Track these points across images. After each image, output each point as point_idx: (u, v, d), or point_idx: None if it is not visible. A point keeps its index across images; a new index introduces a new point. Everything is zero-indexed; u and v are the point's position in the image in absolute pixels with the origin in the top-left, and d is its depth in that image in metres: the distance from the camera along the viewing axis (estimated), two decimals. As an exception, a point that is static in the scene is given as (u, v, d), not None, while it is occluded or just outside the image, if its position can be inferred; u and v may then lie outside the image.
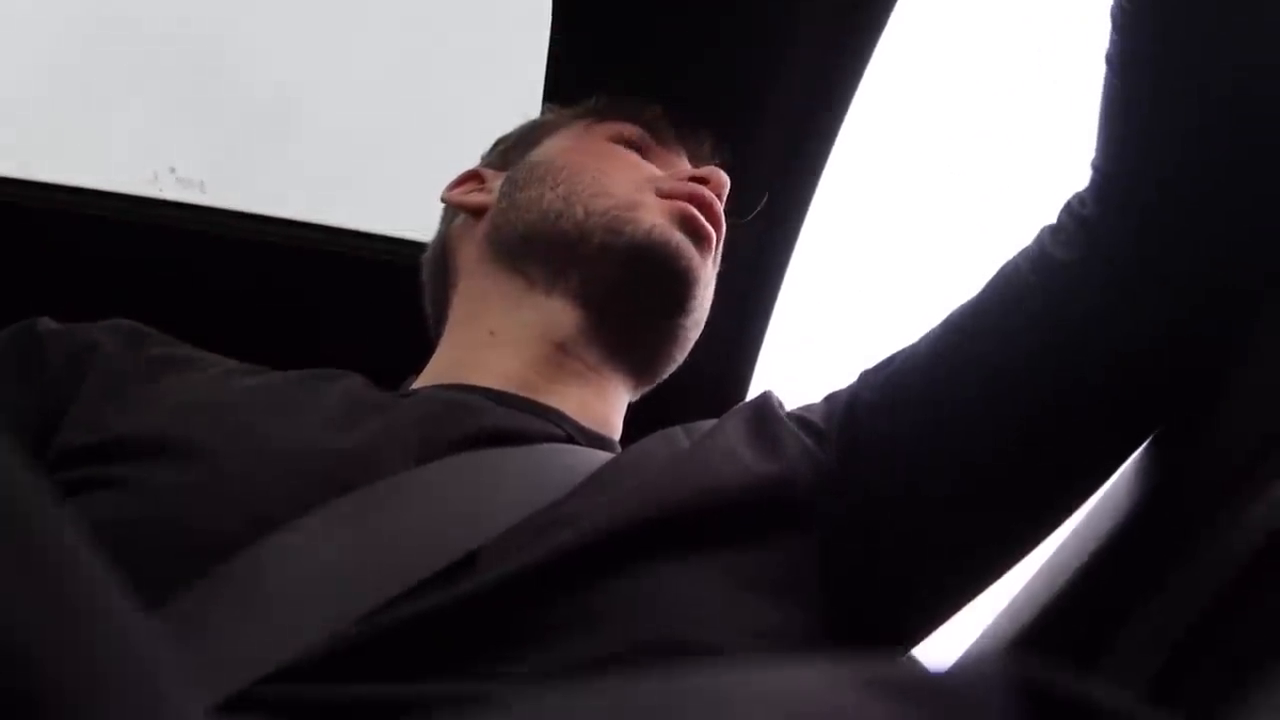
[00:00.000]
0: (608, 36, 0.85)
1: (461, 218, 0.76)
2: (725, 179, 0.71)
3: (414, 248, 0.85)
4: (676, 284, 0.67)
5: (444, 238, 0.78)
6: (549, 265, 0.68)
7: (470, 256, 0.73)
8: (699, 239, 0.68)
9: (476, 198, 0.75)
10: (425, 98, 1.10)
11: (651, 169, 0.73)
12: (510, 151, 0.79)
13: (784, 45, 0.81)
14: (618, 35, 0.85)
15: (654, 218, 0.67)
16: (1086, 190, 0.54)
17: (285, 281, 0.98)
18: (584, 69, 0.85)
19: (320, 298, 0.98)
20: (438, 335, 0.75)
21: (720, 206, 0.70)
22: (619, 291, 0.67)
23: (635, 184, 0.70)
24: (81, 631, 0.21)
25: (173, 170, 1.00)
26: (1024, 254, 0.56)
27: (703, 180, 0.71)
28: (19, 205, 0.95)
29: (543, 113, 0.85)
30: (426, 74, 1.10)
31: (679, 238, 0.66)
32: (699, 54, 0.84)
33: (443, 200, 0.78)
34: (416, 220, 0.83)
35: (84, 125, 1.09)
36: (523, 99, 0.87)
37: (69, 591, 0.22)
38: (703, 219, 0.68)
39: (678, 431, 0.59)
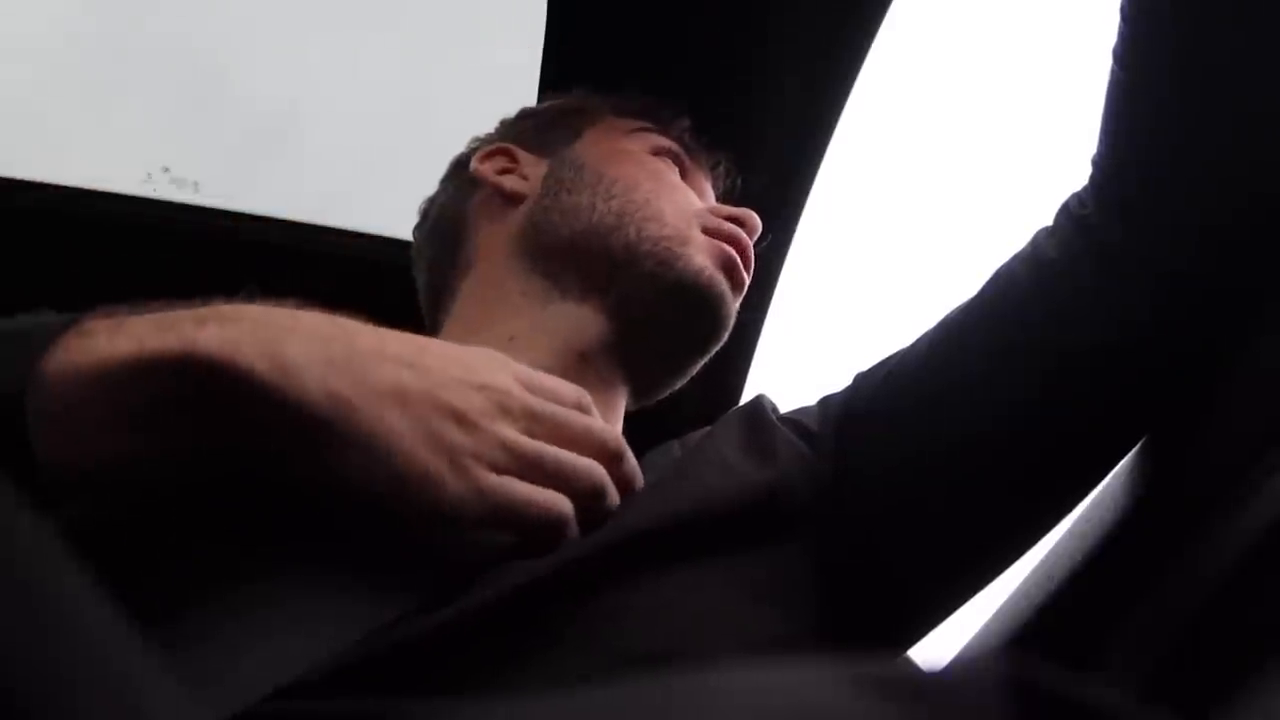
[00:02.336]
0: (602, 34, 0.85)
1: (486, 194, 0.73)
2: (759, 222, 0.72)
3: (409, 248, 0.84)
4: (713, 328, 0.68)
5: (459, 211, 0.74)
6: (588, 277, 0.66)
7: (495, 245, 0.70)
8: (736, 287, 0.68)
9: (513, 182, 0.72)
10: (422, 100, 1.10)
11: (694, 198, 0.73)
12: (545, 134, 0.76)
13: (781, 39, 0.81)
14: (612, 34, 0.85)
15: (703, 259, 0.67)
16: (1084, 188, 0.54)
17: (280, 282, 0.97)
18: (580, 66, 0.85)
19: (316, 298, 0.98)
20: (436, 313, 0.73)
21: (752, 253, 0.71)
22: (655, 320, 0.66)
23: (685, 215, 0.69)
24: (65, 654, 0.21)
25: (166, 170, 0.99)
26: (1018, 255, 0.56)
27: (739, 221, 0.70)
28: (9, 205, 0.94)
29: (539, 98, 0.83)
30: (423, 76, 1.10)
31: (724, 285, 0.67)
32: (692, 55, 0.84)
33: (473, 174, 0.74)
34: (412, 222, 0.82)
35: (77, 124, 1.09)
36: (519, 99, 0.87)
37: (54, 614, 0.22)
38: (742, 269, 0.69)
39: (674, 446, 0.59)
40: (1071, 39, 0.89)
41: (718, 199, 0.79)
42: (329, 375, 0.39)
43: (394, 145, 1.09)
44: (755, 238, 0.71)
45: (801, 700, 0.25)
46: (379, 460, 0.39)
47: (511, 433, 0.43)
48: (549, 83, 0.86)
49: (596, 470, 0.45)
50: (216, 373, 0.38)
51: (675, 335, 0.68)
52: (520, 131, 0.78)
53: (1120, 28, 0.50)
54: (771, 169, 0.87)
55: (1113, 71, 0.50)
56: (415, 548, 0.45)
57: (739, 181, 0.81)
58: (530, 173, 0.72)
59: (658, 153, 0.74)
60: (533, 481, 0.43)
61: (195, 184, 1.00)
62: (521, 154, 0.74)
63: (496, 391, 0.44)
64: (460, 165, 0.78)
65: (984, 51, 1.04)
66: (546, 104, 0.82)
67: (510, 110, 0.82)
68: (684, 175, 0.75)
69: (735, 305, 0.69)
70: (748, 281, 0.70)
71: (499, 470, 0.42)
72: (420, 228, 0.78)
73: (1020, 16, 1.01)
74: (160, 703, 0.24)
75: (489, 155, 0.75)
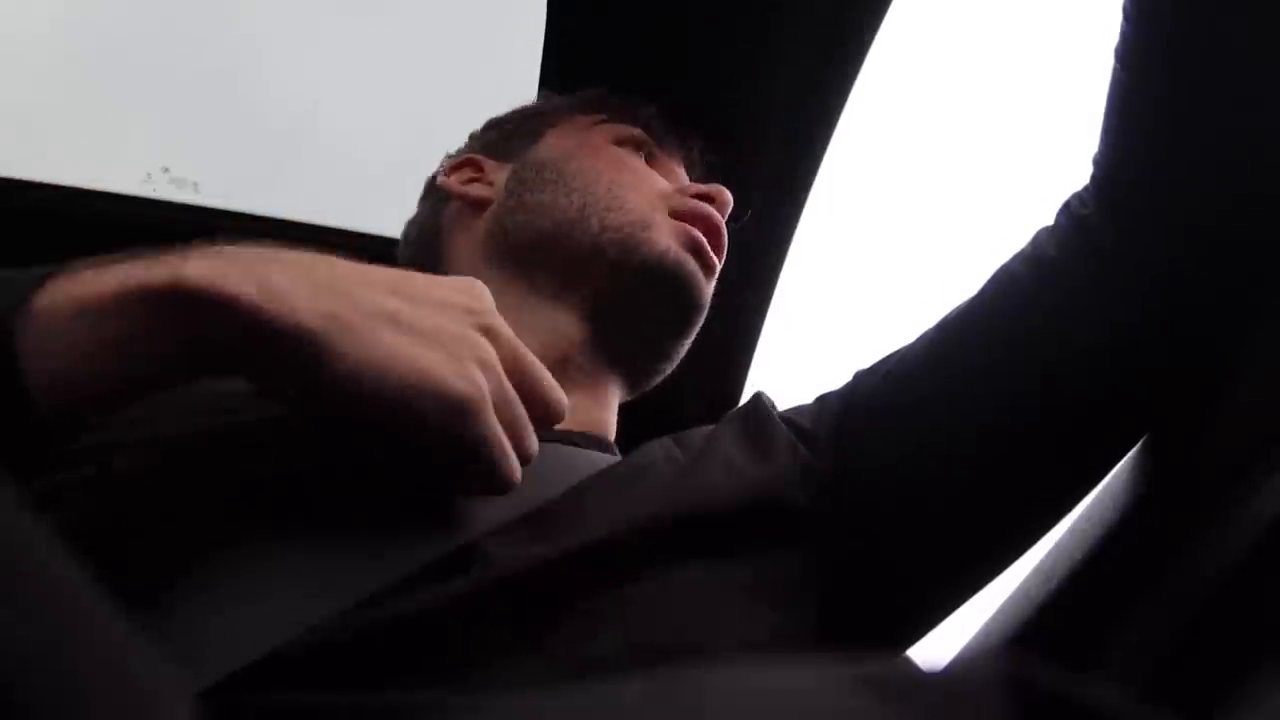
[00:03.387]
0: (602, 31, 0.85)
1: (456, 207, 0.74)
2: (730, 198, 0.71)
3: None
4: (684, 309, 0.68)
5: (434, 224, 0.76)
6: (558, 274, 0.66)
7: (467, 253, 0.71)
8: (706, 267, 0.68)
9: (478, 190, 0.73)
10: (420, 100, 1.10)
11: (660, 181, 0.72)
12: (509, 141, 0.77)
13: (780, 40, 0.81)
14: (612, 31, 0.85)
15: (667, 240, 0.66)
16: (1085, 188, 0.54)
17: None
18: (579, 64, 0.85)
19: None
20: None
21: (724, 228, 0.70)
22: (626, 309, 0.66)
23: (649, 200, 0.69)
24: (62, 637, 0.21)
25: (166, 170, 0.99)
26: (1019, 255, 0.56)
27: (708, 198, 0.70)
28: (9, 205, 0.94)
29: (538, 98, 0.84)
30: (420, 76, 1.10)
31: (691, 265, 0.67)
32: (693, 53, 0.84)
33: (440, 186, 0.76)
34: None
35: (77, 124, 1.09)
36: (517, 97, 0.87)
37: (47, 603, 0.22)
38: (709, 249, 0.68)
39: (669, 442, 0.58)
40: (1072, 38, 0.89)
41: (697, 181, 0.78)
42: (318, 296, 0.39)
43: (398, 147, 1.09)
44: (728, 212, 0.71)
45: (801, 700, 0.25)
46: (383, 368, 0.39)
47: (496, 371, 0.43)
48: (549, 84, 0.86)
49: (531, 446, 0.44)
50: (205, 300, 0.37)
51: (649, 322, 0.68)
52: (486, 141, 0.79)
53: (1123, 27, 0.50)
54: (771, 168, 0.87)
55: (1114, 71, 0.50)
56: (404, 518, 0.44)
57: (717, 161, 0.80)
58: (495, 179, 0.73)
59: (621, 142, 0.74)
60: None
61: (195, 184, 1.01)
62: (487, 163, 0.76)
63: (486, 324, 0.44)
64: (432, 182, 0.79)
65: (984, 51, 1.04)
66: (510, 111, 0.82)
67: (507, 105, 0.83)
68: (652, 161, 0.75)
69: (709, 284, 0.69)
70: (719, 260, 0.70)
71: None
72: (403, 251, 0.79)
73: (1020, 16, 1.01)
74: (150, 675, 0.24)
75: (455, 168, 0.76)
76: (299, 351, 0.38)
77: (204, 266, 0.38)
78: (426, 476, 0.44)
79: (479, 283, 0.46)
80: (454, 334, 0.42)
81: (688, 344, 0.72)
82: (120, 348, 0.37)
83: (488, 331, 0.43)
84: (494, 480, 0.42)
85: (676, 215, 0.68)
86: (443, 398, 0.39)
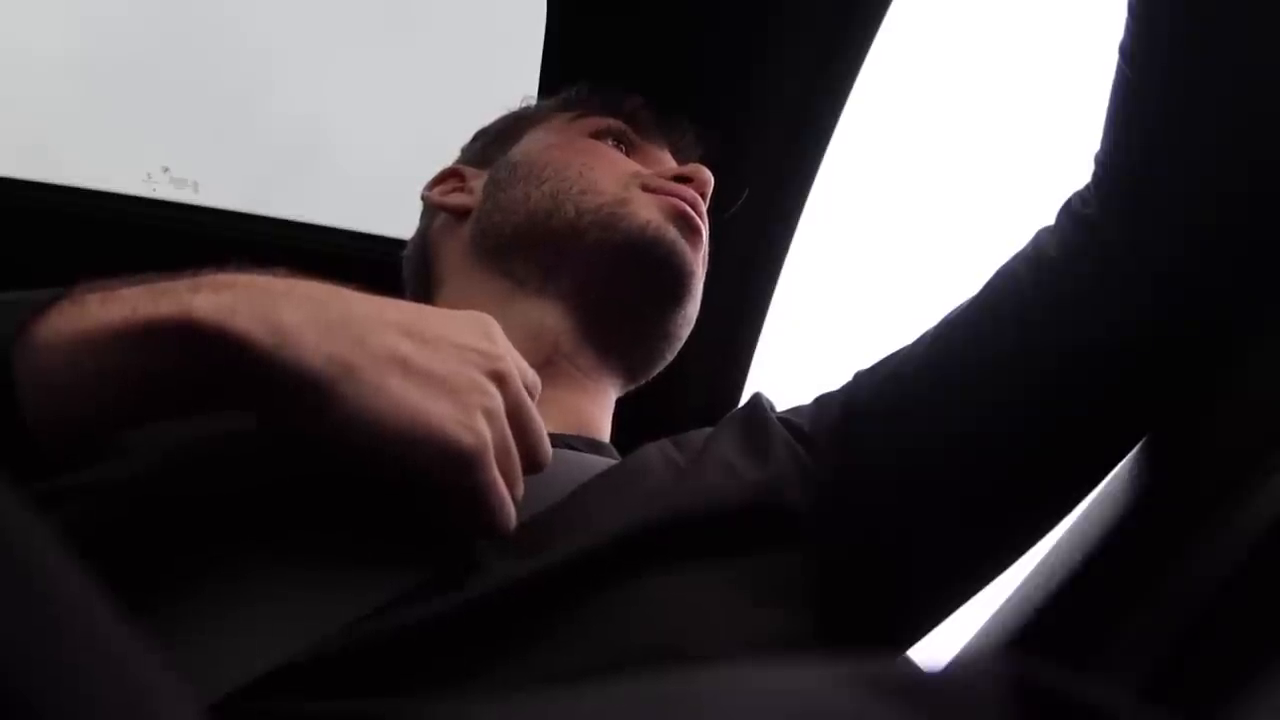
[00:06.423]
0: (601, 29, 0.85)
1: (442, 218, 0.75)
2: (709, 177, 0.70)
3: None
4: (673, 278, 0.66)
5: (425, 238, 0.77)
6: (538, 265, 0.66)
7: (454, 259, 0.72)
8: (691, 233, 0.67)
9: (458, 198, 0.74)
10: (420, 103, 1.10)
11: (635, 165, 0.72)
12: (490, 147, 0.78)
13: (780, 40, 0.81)
14: (612, 28, 0.85)
15: (647, 213, 0.66)
16: (1087, 186, 0.54)
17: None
18: (579, 63, 0.85)
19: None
20: None
21: (704, 206, 0.69)
22: (613, 289, 0.66)
23: (622, 180, 0.68)
24: (67, 648, 0.21)
25: (166, 170, 1.00)
26: (1019, 255, 0.56)
27: (686, 179, 0.70)
28: (9, 205, 0.94)
29: (522, 104, 0.84)
30: (420, 79, 1.10)
31: (674, 232, 0.66)
32: (694, 49, 0.84)
33: (422, 199, 0.77)
34: (409, 221, 0.82)
35: (77, 125, 1.09)
36: (514, 99, 0.87)
37: (52, 608, 0.22)
38: (693, 213, 0.67)
39: (667, 444, 0.58)
40: (1075, 37, 0.89)
41: None
42: (326, 339, 0.39)
43: (397, 147, 1.09)
44: (708, 192, 0.70)
45: (801, 700, 0.25)
46: (387, 416, 0.39)
47: (501, 421, 0.43)
48: (549, 86, 0.86)
49: (520, 493, 0.44)
50: (212, 339, 0.37)
51: (638, 299, 0.67)
52: (470, 152, 0.80)
53: (1127, 23, 0.49)
54: (771, 169, 0.87)
55: (1119, 68, 0.50)
56: (404, 531, 0.44)
57: (712, 148, 0.80)
58: (475, 186, 0.74)
59: (599, 134, 0.74)
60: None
61: (195, 184, 1.01)
62: (469, 171, 0.77)
63: (498, 370, 0.43)
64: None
65: (984, 51, 1.04)
66: (494, 120, 0.83)
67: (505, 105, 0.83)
68: (634, 151, 0.75)
69: (696, 256, 0.68)
70: (705, 229, 0.69)
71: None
72: (405, 269, 0.80)
73: (1021, 15, 1.01)
74: (154, 680, 0.24)
75: (439, 181, 0.78)
76: (304, 395, 0.38)
77: (213, 302, 0.37)
78: (424, 516, 0.44)
79: (492, 320, 0.46)
80: (465, 380, 0.41)
81: (683, 318, 0.70)
82: (123, 381, 0.37)
83: (498, 377, 0.43)
84: (491, 527, 0.42)
85: (652, 191, 0.68)
86: (447, 449, 0.39)
